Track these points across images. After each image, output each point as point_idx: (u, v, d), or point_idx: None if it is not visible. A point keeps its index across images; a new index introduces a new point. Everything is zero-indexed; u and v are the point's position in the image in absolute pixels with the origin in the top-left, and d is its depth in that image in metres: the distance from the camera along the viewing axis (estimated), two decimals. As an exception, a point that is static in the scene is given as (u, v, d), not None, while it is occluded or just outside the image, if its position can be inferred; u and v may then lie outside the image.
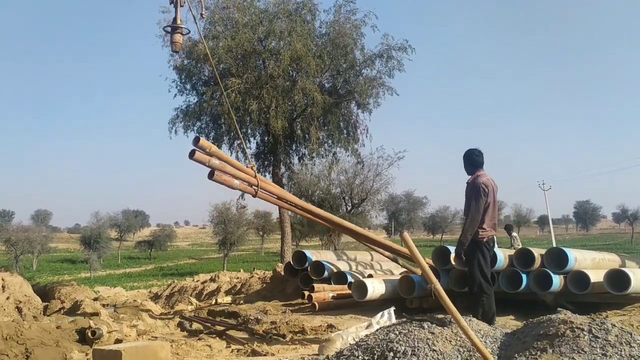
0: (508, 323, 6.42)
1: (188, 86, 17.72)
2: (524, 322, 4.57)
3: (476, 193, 5.84)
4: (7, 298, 8.81)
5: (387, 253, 8.64)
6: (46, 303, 9.25)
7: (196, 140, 5.87)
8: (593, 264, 7.77)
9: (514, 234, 14.61)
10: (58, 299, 9.58)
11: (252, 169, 6.39)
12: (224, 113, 16.33)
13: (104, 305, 8.16)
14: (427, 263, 7.79)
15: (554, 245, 38.35)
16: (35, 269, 56.55)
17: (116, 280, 43.01)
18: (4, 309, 8.59)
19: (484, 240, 5.83)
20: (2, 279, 9.08)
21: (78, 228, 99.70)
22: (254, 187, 6.43)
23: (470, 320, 4.36)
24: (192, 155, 5.75)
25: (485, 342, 3.97)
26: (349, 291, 8.26)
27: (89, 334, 5.50)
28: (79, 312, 7.54)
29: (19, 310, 8.69)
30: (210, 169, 5.94)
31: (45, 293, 10.37)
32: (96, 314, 6.73)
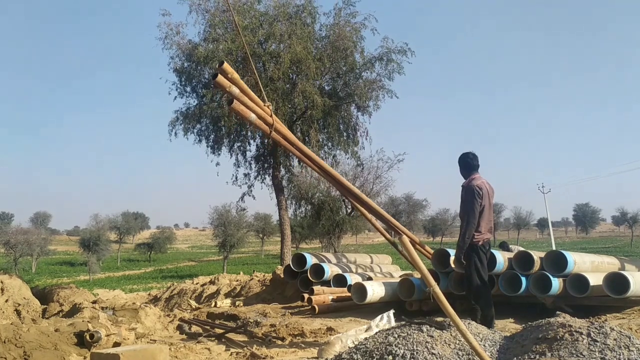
0: (507, 326, 6.42)
1: (188, 89, 17.73)
2: (523, 325, 4.57)
3: (471, 196, 5.84)
4: (6, 301, 8.80)
5: (387, 235, 8.54)
6: (45, 306, 9.23)
7: (220, 63, 5.94)
8: (592, 267, 7.77)
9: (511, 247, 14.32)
10: (57, 301, 9.56)
11: (268, 107, 6.35)
12: (224, 115, 16.35)
13: (102, 308, 8.14)
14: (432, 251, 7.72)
15: (554, 248, 38.41)
16: (34, 272, 56.49)
17: (115, 283, 42.97)
18: (3, 312, 8.57)
19: (480, 243, 5.84)
20: (1, 282, 9.06)
21: (77, 230, 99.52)
22: (269, 125, 6.39)
23: (469, 323, 4.36)
24: (215, 77, 5.86)
25: (484, 345, 3.97)
26: (349, 294, 8.26)
27: (88, 337, 5.48)
28: (77, 315, 7.53)
29: (18, 313, 8.67)
30: (229, 98, 6.01)
31: (44, 296, 10.36)
32: (95, 317, 6.71)
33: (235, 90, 5.92)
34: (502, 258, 7.17)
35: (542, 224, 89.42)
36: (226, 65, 5.92)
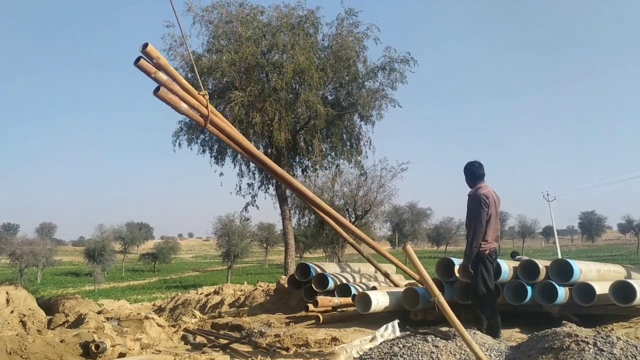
0: (513, 336, 6.38)
1: (192, 99, 17.82)
2: (529, 335, 4.55)
3: (477, 205, 5.83)
4: (12, 312, 8.80)
5: (345, 235, 8.63)
6: (50, 317, 9.23)
7: (144, 46, 5.26)
8: (598, 275, 7.72)
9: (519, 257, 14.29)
10: (62, 312, 9.55)
11: (204, 97, 5.89)
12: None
13: (107, 319, 8.13)
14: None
15: (559, 256, 38.21)
16: (39, 282, 56.61)
17: (120, 293, 42.95)
18: (8, 323, 8.57)
19: (487, 252, 5.82)
20: (7, 293, 9.07)
21: (82, 241, 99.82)
22: (203, 117, 5.95)
23: (474, 333, 4.35)
24: (137, 62, 5.24)
25: (490, 355, 3.96)
26: (353, 303, 8.22)
27: (93, 348, 5.48)
28: (82, 325, 7.53)
29: (23, 324, 8.67)
30: (156, 84, 5.43)
31: (49, 306, 10.35)
32: (100, 328, 6.71)
33: (162, 76, 5.40)
34: (507, 267, 7.14)
35: (548, 232, 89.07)
36: (151, 48, 5.30)
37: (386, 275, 9.71)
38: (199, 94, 5.86)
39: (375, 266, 9.81)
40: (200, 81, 6.10)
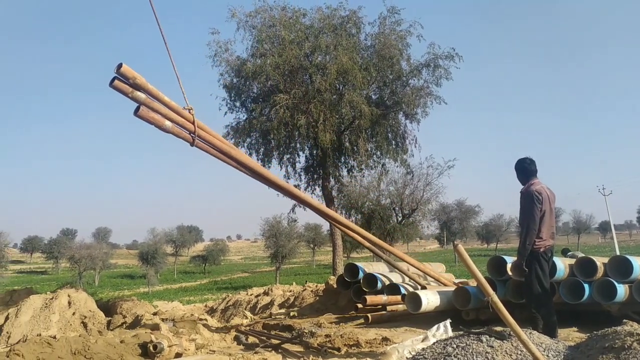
0: (571, 335, 6.20)
1: (237, 103, 18.14)
2: (588, 334, 4.41)
3: (530, 202, 5.70)
4: (73, 314, 9.19)
5: (361, 239, 8.50)
6: (109, 318, 9.58)
7: (119, 67, 5.02)
8: (660, 272, 7.39)
9: (571, 253, 13.80)
10: (120, 313, 9.90)
11: (189, 111, 5.65)
12: (273, 128, 16.60)
13: (163, 320, 8.38)
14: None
15: (617, 252, 36.68)
16: (97, 285, 58.81)
17: (173, 295, 44.10)
18: (71, 324, 8.97)
19: (541, 250, 5.67)
20: (68, 295, 9.48)
21: (136, 244, 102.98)
22: (191, 134, 5.69)
23: (530, 333, 4.26)
24: (111, 83, 5.04)
25: (547, 355, 3.86)
26: (403, 303, 8.17)
27: (151, 348, 5.66)
28: (140, 326, 7.78)
29: (84, 325, 9.04)
30: (136, 104, 5.26)
31: (107, 308, 10.74)
32: (156, 328, 6.92)
33: (140, 95, 5.20)
34: (562, 265, 6.94)
35: (604, 227, 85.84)
36: (125, 68, 5.06)
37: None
38: (183, 109, 5.63)
39: (402, 271, 9.69)
40: (184, 93, 5.63)
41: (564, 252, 14.13)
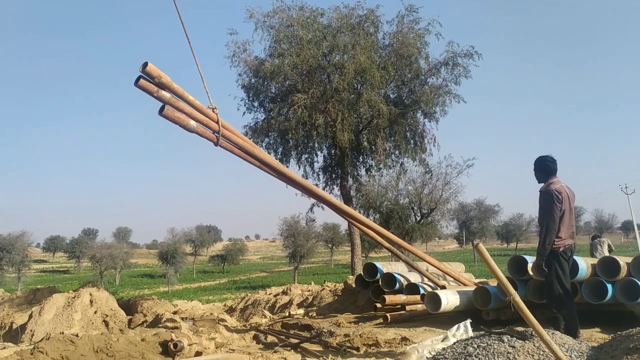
0: (594, 336, 6.10)
1: (256, 104, 18.22)
2: (612, 335, 4.34)
3: (549, 201, 5.62)
4: (95, 312, 9.34)
5: (387, 245, 8.42)
6: (130, 316, 9.71)
7: (144, 66, 5.01)
8: (686, 272, 7.23)
9: (598, 239, 13.50)
10: (141, 312, 10.02)
11: (213, 110, 5.61)
12: (291, 128, 16.64)
13: (183, 319, 8.46)
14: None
15: (641, 252, 35.95)
16: (118, 284, 59.59)
17: (192, 294, 44.45)
18: (92, 323, 9.11)
19: (561, 249, 5.60)
20: (90, 294, 9.63)
21: (155, 244, 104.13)
22: (215, 133, 5.66)
23: (553, 333, 4.20)
24: (137, 82, 5.03)
25: (570, 356, 3.81)
26: (422, 303, 8.13)
27: (172, 347, 5.71)
28: (160, 325, 7.86)
29: (106, 323, 9.18)
30: (161, 103, 5.24)
31: (128, 307, 10.88)
32: (177, 327, 6.99)
33: (165, 94, 5.18)
34: (585, 264, 6.82)
35: (627, 226, 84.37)
36: (151, 67, 5.04)
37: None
38: (207, 108, 5.60)
39: (421, 271, 9.62)
40: (208, 93, 5.62)
41: (594, 238, 13.93)
